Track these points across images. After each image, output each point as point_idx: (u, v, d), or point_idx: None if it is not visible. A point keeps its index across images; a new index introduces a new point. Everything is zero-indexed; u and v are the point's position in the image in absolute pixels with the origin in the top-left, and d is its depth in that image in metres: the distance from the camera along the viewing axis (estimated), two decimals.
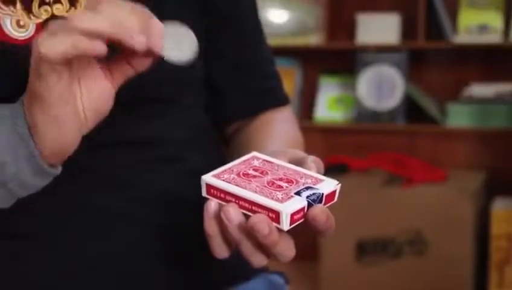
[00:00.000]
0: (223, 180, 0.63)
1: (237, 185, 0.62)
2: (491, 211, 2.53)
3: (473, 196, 2.49)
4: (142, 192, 0.78)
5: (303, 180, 0.63)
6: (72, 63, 0.63)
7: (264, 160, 0.66)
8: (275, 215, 0.59)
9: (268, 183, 0.62)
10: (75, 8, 0.76)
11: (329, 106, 2.99)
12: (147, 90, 0.79)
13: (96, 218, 0.76)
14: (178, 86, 0.82)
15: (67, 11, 0.76)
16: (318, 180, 0.63)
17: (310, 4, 2.96)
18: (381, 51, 2.85)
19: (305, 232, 0.63)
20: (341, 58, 2.98)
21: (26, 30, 0.74)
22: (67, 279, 0.76)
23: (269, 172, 0.64)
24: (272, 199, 0.60)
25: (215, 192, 0.63)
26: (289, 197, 0.61)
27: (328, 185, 0.63)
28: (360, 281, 2.58)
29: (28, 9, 0.75)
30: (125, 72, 0.67)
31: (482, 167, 2.82)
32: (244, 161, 0.66)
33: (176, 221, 0.79)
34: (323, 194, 0.62)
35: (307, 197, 0.61)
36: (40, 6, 0.75)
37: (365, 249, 2.57)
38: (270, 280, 0.88)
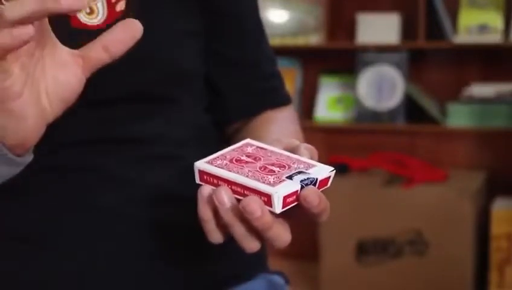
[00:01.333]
0: (216, 166, 0.63)
1: (229, 171, 0.62)
2: (491, 211, 2.53)
3: (473, 196, 2.49)
4: (142, 191, 0.78)
5: (295, 165, 0.64)
6: (19, 56, 0.61)
7: (257, 147, 0.67)
8: (267, 199, 0.60)
9: (261, 168, 0.63)
10: None
11: (329, 106, 2.99)
12: (147, 89, 0.79)
13: (96, 217, 0.76)
14: (178, 85, 0.82)
15: None
16: (311, 166, 0.64)
17: (310, 4, 2.96)
18: (381, 51, 2.85)
19: (300, 217, 0.62)
20: (341, 58, 2.98)
21: None
22: (67, 279, 0.76)
23: (262, 158, 0.65)
24: (264, 182, 0.60)
25: (208, 178, 0.63)
26: (281, 181, 0.61)
27: (322, 171, 0.63)
28: (360, 281, 2.58)
29: None
30: (100, 59, 0.65)
31: (482, 167, 2.82)
32: (238, 147, 0.67)
33: (176, 220, 0.79)
34: (317, 179, 0.62)
35: (301, 181, 0.61)
36: None
37: (365, 249, 2.57)
38: (270, 280, 0.88)
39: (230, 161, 0.64)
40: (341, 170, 2.71)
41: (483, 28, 2.71)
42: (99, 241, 0.76)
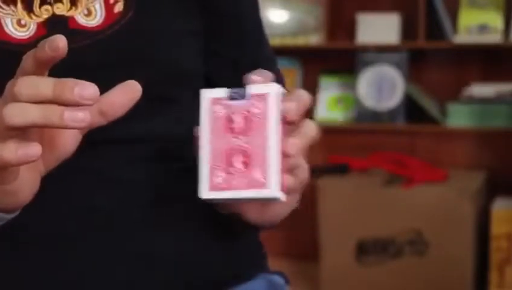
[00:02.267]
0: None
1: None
2: (491, 211, 2.53)
3: (473, 196, 2.49)
4: (141, 191, 0.78)
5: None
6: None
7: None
8: None
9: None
10: (76, 7, 0.76)
11: (329, 106, 2.99)
12: (147, 89, 0.79)
13: (95, 218, 0.76)
14: (178, 85, 0.82)
15: (67, 11, 0.75)
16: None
17: (310, 4, 2.96)
18: (381, 51, 2.85)
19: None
20: (341, 58, 2.98)
21: (27, 29, 0.74)
22: (67, 279, 0.76)
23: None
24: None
25: None
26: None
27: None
28: (360, 281, 2.58)
29: (28, 8, 0.75)
30: (96, 121, 0.64)
31: (482, 167, 2.82)
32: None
33: (176, 220, 0.79)
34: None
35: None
36: (41, 5, 0.75)
37: (365, 249, 2.57)
38: (270, 280, 0.88)
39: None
40: (341, 170, 2.71)
41: (483, 28, 2.71)
42: (98, 242, 0.76)
